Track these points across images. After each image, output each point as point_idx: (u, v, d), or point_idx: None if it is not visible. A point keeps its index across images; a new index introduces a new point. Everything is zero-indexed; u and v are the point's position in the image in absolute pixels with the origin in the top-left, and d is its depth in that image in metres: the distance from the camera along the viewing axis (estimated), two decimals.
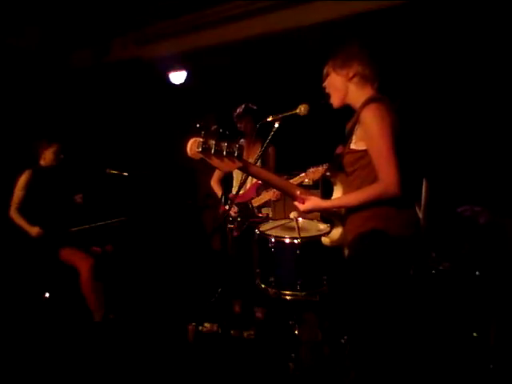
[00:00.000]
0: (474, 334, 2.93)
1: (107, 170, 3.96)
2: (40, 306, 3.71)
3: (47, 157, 3.69)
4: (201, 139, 1.81)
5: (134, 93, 5.35)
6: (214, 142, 1.83)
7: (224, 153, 1.85)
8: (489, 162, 3.66)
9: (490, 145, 3.75)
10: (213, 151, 1.83)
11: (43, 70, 5.02)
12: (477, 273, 3.09)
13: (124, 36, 4.94)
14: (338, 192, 2.17)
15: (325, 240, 2.26)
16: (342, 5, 3.68)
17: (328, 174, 2.20)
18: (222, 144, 1.85)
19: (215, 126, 1.84)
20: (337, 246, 2.22)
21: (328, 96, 2.16)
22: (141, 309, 3.84)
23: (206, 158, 1.86)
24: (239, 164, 1.93)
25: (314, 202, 2.05)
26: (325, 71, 2.16)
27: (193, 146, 1.83)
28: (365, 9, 3.57)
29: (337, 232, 2.17)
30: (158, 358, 3.09)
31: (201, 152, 1.82)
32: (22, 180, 3.61)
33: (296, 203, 2.11)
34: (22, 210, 3.58)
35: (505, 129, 3.79)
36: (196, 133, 1.83)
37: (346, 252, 2.17)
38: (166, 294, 4.04)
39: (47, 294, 3.75)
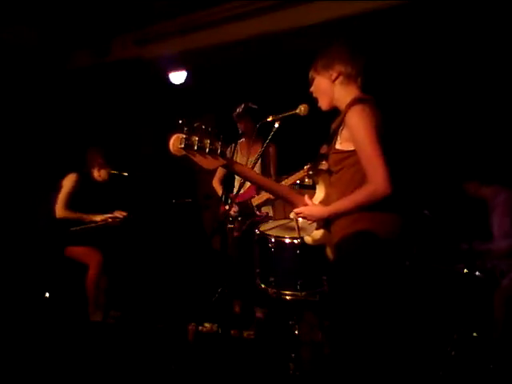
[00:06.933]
0: (474, 334, 2.94)
1: (107, 170, 3.97)
2: (40, 305, 3.72)
3: (102, 174, 3.93)
4: (183, 135, 1.78)
5: (134, 93, 5.34)
6: (196, 139, 1.80)
7: (207, 150, 1.83)
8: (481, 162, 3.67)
9: (482, 146, 3.78)
10: (195, 148, 1.80)
11: (43, 69, 5.01)
12: (477, 273, 3.10)
13: (124, 36, 4.93)
14: (320, 191, 2.17)
15: (307, 239, 2.25)
16: (342, 5, 3.67)
17: (311, 172, 2.20)
18: (205, 141, 1.82)
19: (198, 123, 1.81)
20: (320, 245, 2.21)
21: (316, 100, 2.16)
22: (141, 309, 3.84)
23: (189, 155, 1.82)
24: (222, 162, 1.90)
25: (311, 209, 2.06)
26: (309, 76, 2.16)
27: (175, 143, 1.80)
28: (365, 9, 3.57)
29: (319, 231, 2.16)
30: (158, 357, 3.08)
31: (183, 148, 1.79)
32: (70, 182, 3.79)
33: (295, 210, 2.11)
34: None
35: (499, 129, 3.81)
36: (179, 129, 1.80)
37: (330, 252, 2.17)
38: (166, 294, 4.04)
39: (47, 294, 3.76)
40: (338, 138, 2.02)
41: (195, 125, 1.80)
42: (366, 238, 1.93)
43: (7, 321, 3.52)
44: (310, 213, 2.06)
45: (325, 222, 2.11)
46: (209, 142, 1.82)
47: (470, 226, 3.32)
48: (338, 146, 2.01)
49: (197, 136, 1.80)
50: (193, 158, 1.84)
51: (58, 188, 3.76)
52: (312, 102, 2.23)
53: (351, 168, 1.96)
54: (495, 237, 3.22)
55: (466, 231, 3.26)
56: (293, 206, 2.13)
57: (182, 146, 1.78)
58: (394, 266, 2.00)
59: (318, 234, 2.16)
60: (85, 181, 3.83)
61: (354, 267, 1.94)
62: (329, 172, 2.10)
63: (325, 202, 2.12)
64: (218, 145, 1.85)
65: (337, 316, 2.06)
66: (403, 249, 2.05)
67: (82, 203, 3.76)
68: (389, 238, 1.94)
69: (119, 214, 3.86)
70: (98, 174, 3.90)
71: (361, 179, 1.91)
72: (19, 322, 3.54)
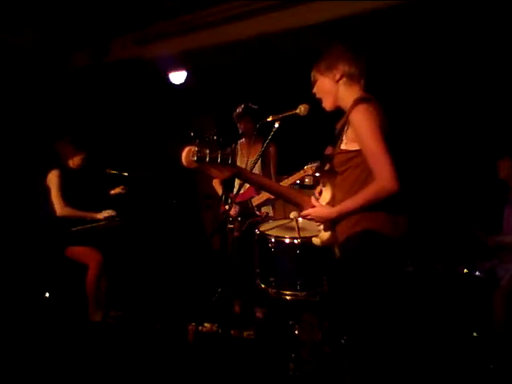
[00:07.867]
0: (474, 334, 2.94)
1: (107, 170, 3.96)
2: (40, 305, 3.72)
3: (75, 162, 3.91)
4: (195, 148, 1.82)
5: (134, 93, 5.34)
6: (208, 151, 1.84)
7: (218, 160, 1.86)
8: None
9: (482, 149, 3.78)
10: (208, 160, 1.85)
11: (43, 69, 5.01)
12: (477, 273, 3.10)
13: (124, 36, 4.93)
14: (327, 193, 2.17)
15: (315, 240, 2.25)
16: (342, 5, 3.67)
17: (317, 174, 2.21)
18: (216, 152, 1.86)
19: (209, 135, 1.85)
20: (328, 246, 2.21)
21: (320, 101, 2.16)
22: (141, 309, 3.84)
23: (202, 167, 1.88)
24: (234, 170, 1.95)
25: (318, 211, 2.06)
26: (312, 77, 2.17)
27: (188, 156, 1.85)
28: (366, 9, 3.57)
29: (327, 232, 2.17)
30: (158, 358, 3.08)
31: (196, 161, 1.84)
32: (56, 178, 3.76)
33: (303, 213, 2.13)
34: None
35: (497, 130, 3.82)
36: (190, 141, 1.84)
37: (337, 252, 2.17)
38: (166, 294, 4.04)
39: (47, 294, 3.76)
40: (344, 138, 2.03)
41: (206, 138, 1.84)
42: (371, 237, 1.94)
43: (7, 321, 3.52)
44: (318, 214, 2.06)
45: (331, 223, 2.11)
46: (220, 152, 1.87)
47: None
48: (343, 147, 2.02)
49: (208, 148, 1.84)
50: (205, 170, 1.90)
51: (46, 189, 3.74)
52: (312, 101, 2.23)
53: (356, 168, 1.97)
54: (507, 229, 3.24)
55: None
56: (301, 208, 2.15)
57: (195, 158, 1.84)
58: (398, 265, 2.01)
59: (326, 235, 2.15)
60: (66, 174, 3.82)
61: (359, 266, 1.95)
62: (334, 173, 2.10)
63: (331, 203, 2.12)
64: (229, 155, 1.89)
65: (340, 315, 2.07)
66: (406, 248, 2.06)
67: (71, 196, 3.76)
68: (392, 237, 1.95)
69: (107, 214, 3.85)
70: (73, 163, 3.89)
71: (366, 179, 1.92)
72: (19, 321, 3.54)
